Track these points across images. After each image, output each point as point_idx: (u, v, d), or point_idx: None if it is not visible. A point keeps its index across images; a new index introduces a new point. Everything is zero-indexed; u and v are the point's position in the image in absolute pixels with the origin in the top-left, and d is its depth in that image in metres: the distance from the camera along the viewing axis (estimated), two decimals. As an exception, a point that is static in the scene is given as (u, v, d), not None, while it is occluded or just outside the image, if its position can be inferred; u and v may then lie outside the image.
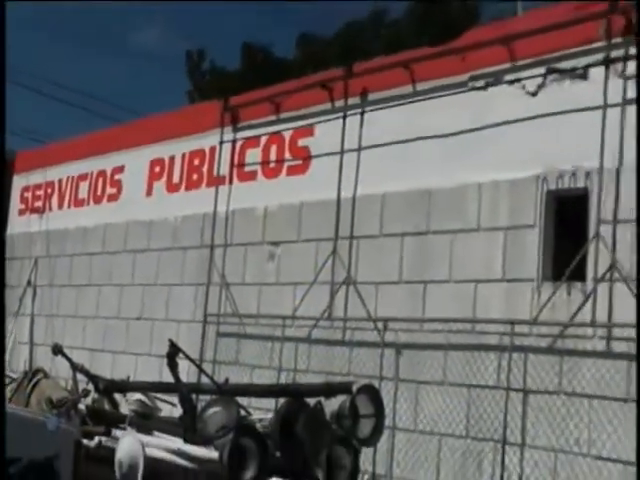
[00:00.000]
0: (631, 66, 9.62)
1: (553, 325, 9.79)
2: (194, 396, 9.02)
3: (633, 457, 8.93)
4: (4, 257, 9.30)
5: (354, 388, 8.33)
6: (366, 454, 9.29)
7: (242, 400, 8.93)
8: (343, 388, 8.50)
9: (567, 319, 9.71)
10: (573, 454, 9.47)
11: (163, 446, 7.91)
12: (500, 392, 10.03)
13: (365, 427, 8.31)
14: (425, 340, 10.86)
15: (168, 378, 8.80)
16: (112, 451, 7.67)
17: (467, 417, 10.37)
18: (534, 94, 10.55)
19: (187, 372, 9.56)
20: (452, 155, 11.11)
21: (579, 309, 9.65)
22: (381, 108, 12.13)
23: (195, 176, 15.25)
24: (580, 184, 9.94)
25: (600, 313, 9.50)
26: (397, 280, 11.47)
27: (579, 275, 9.77)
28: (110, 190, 17.53)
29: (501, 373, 10.09)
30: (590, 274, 9.68)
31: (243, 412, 8.65)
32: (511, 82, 10.80)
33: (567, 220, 10.16)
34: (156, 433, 8.33)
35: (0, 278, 8.89)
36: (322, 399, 8.31)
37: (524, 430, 9.81)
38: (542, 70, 10.49)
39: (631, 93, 9.56)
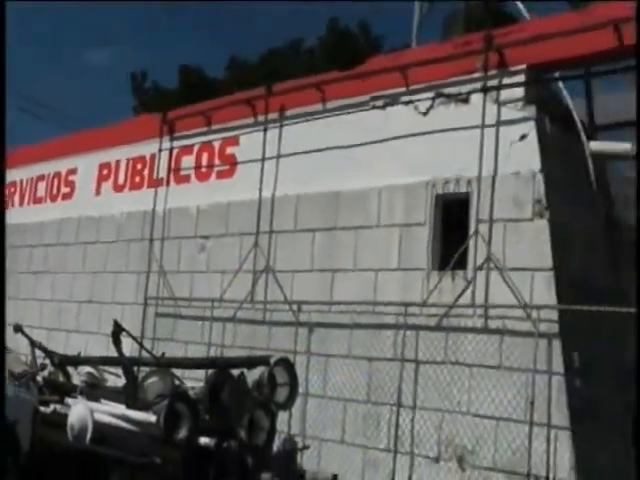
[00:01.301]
0: (504, 94, 9.92)
1: (440, 306, 9.92)
2: (136, 368, 8.92)
3: (504, 414, 9.18)
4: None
5: (272, 361, 8.35)
6: (282, 417, 9.28)
7: (177, 371, 8.88)
8: (263, 361, 8.46)
9: (451, 301, 9.85)
10: (455, 413, 9.63)
11: (109, 411, 7.84)
12: (396, 363, 10.11)
13: (281, 394, 8.33)
14: (333, 320, 10.89)
15: (113, 353, 8.71)
16: (65, 416, 7.60)
17: (368, 385, 10.44)
18: (425, 114, 10.70)
19: (130, 348, 9.45)
20: (357, 163, 11.14)
21: (461, 293, 9.80)
22: (297, 122, 12.13)
23: (138, 178, 15.06)
24: (462, 189, 10.12)
25: (478, 296, 9.68)
26: (309, 269, 11.49)
27: (461, 265, 9.93)
28: (64, 189, 17.25)
29: (397, 347, 10.18)
30: (470, 264, 9.85)
31: (178, 382, 8.60)
32: (406, 103, 10.93)
33: (452, 219, 10.27)
34: (103, 400, 8.24)
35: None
36: (245, 370, 8.27)
37: (415, 395, 9.91)
38: (432, 94, 10.64)
39: (504, 116, 9.84)
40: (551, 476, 8.79)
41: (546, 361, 9.01)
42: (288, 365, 8.61)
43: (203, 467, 7.33)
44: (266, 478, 8.08)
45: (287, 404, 8.58)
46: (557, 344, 9.04)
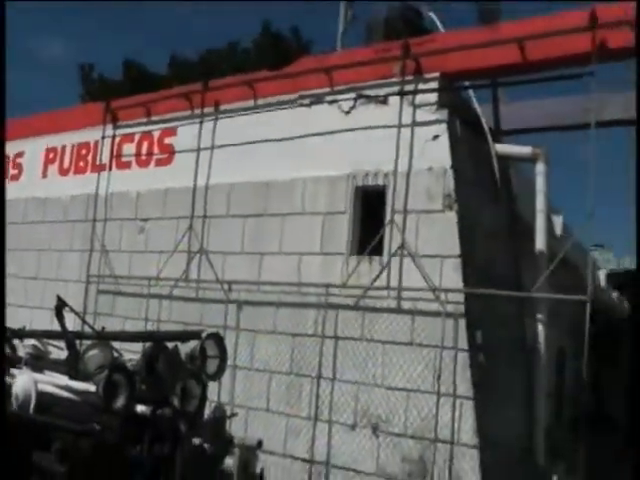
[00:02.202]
0: (419, 97, 9.91)
1: (358, 288, 9.81)
2: (78, 341, 8.61)
3: (414, 386, 9.19)
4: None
5: (203, 335, 8.11)
6: (213, 387, 9.08)
7: (116, 344, 8.59)
8: (195, 335, 8.24)
9: (368, 284, 9.75)
10: (371, 385, 9.57)
11: (52, 382, 7.52)
12: (317, 339, 9.99)
13: (212, 365, 8.09)
14: (261, 298, 10.70)
15: (57, 327, 8.37)
16: (10, 387, 7.27)
17: (291, 358, 10.30)
18: (347, 113, 10.59)
19: (73, 322, 9.09)
20: (284, 156, 10.96)
21: (377, 276, 9.71)
22: (230, 116, 11.84)
23: (82, 163, 14.57)
24: (380, 182, 10.05)
25: (393, 279, 9.62)
26: (240, 251, 11.27)
27: (378, 251, 9.85)
28: (12, 172, 16.51)
29: (318, 325, 10.06)
30: (386, 250, 9.78)
31: (117, 354, 8.33)
32: (330, 102, 10.78)
33: (370, 209, 10.18)
34: (46, 371, 7.93)
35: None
36: (179, 343, 8.07)
37: (334, 368, 9.81)
38: (354, 95, 10.53)
39: (419, 117, 9.83)
40: (455, 440, 8.84)
41: (452, 338, 9.03)
42: (218, 339, 8.41)
43: (139, 433, 7.11)
44: (197, 442, 7.96)
45: (217, 375, 8.33)
46: (462, 323, 9.07)
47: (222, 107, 12.00)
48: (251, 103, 11.66)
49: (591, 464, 9.16)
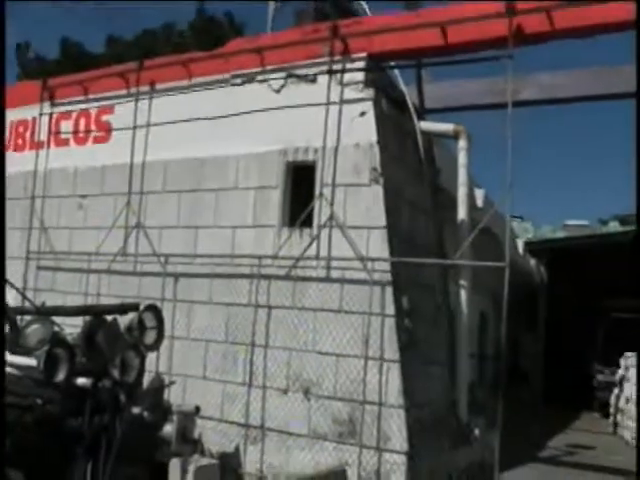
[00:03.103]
0: (347, 77, 9.82)
1: (289, 259, 9.69)
2: (19, 317, 8.31)
3: (344, 351, 9.16)
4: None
5: (141, 307, 8.02)
6: (151, 357, 8.88)
7: (56, 319, 8.31)
8: (133, 307, 8.13)
9: (299, 254, 9.64)
10: (302, 351, 9.51)
11: (-7, 358, 7.27)
12: (251, 308, 9.84)
13: (150, 336, 7.96)
14: (196, 271, 10.50)
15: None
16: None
17: (226, 327, 10.15)
18: (278, 91, 10.44)
19: (14, 298, 8.79)
20: (218, 133, 10.72)
21: (307, 247, 9.61)
22: (166, 95, 11.51)
23: (20, 141, 13.96)
24: (310, 157, 9.94)
25: (322, 250, 9.54)
26: (176, 225, 11.01)
27: (308, 223, 9.74)
28: (-49, 151, 15.92)
29: (251, 295, 9.91)
30: (316, 222, 9.69)
31: (57, 328, 8.07)
32: (261, 81, 10.59)
33: (300, 183, 10.08)
34: (-13, 348, 7.64)
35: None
36: (117, 316, 7.88)
37: (267, 336, 9.70)
38: (284, 74, 10.38)
39: (346, 96, 9.74)
40: (383, 401, 8.85)
41: (380, 305, 9.02)
42: (156, 311, 8.26)
43: (80, 404, 6.92)
44: (136, 411, 7.81)
45: (155, 345, 8.17)
46: (389, 290, 9.07)
47: (158, 86, 11.63)
48: (186, 82, 11.36)
49: (508, 417, 9.30)
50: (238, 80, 10.75)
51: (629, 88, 10.63)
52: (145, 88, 11.71)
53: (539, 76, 11.28)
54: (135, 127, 11.58)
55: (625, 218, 40.81)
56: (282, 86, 10.37)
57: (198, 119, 10.87)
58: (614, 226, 33.74)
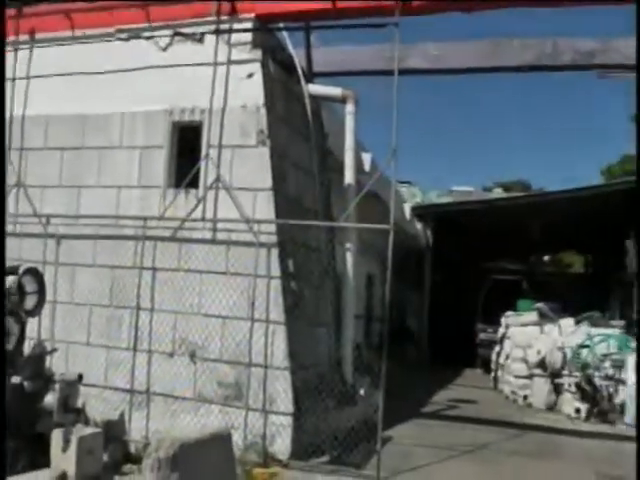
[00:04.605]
0: (235, 37, 9.60)
1: (175, 220, 9.43)
2: None
3: (230, 314, 9.07)
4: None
5: (20, 270, 7.68)
6: (32, 323, 8.45)
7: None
8: (12, 271, 7.73)
9: (185, 216, 9.40)
10: (188, 314, 9.34)
11: None
12: (136, 271, 9.50)
13: (30, 301, 7.75)
14: (79, 232, 10.02)
15: None
16: None
17: (111, 291, 9.81)
18: (165, 49, 10.04)
19: None
20: (102, 89, 10.21)
21: (193, 209, 9.39)
22: (47, 46, 10.80)
23: None
24: (196, 118, 9.68)
25: (208, 212, 9.36)
26: (58, 184, 10.45)
27: (194, 184, 9.50)
28: None
29: (137, 257, 9.58)
30: (202, 183, 9.47)
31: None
32: (148, 38, 10.13)
33: (186, 144, 9.79)
34: None
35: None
36: (-6, 280, 7.43)
37: (153, 299, 9.42)
38: (171, 32, 9.97)
39: (234, 56, 9.53)
40: (269, 363, 8.81)
41: (266, 267, 8.93)
42: (36, 274, 7.97)
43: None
44: (16, 381, 7.45)
45: (35, 311, 7.96)
46: (275, 253, 8.99)
47: (38, 36, 10.91)
48: (69, 34, 10.70)
49: (394, 376, 9.45)
50: (123, 35, 10.25)
51: (515, 62, 10.92)
52: (24, 37, 10.97)
53: (426, 46, 11.35)
54: (14, 79, 10.81)
55: (508, 185, 42.30)
56: (169, 44, 9.98)
57: (81, 73, 10.33)
58: (498, 192, 34.88)
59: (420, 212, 23.27)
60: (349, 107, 10.60)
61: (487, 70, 11.58)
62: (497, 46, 11.14)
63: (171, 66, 9.77)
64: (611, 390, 13.16)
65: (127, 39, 10.20)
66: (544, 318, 16.40)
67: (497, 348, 17.75)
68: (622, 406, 12.81)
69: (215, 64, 9.43)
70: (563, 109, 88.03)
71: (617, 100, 73.95)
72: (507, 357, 16.23)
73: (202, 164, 9.38)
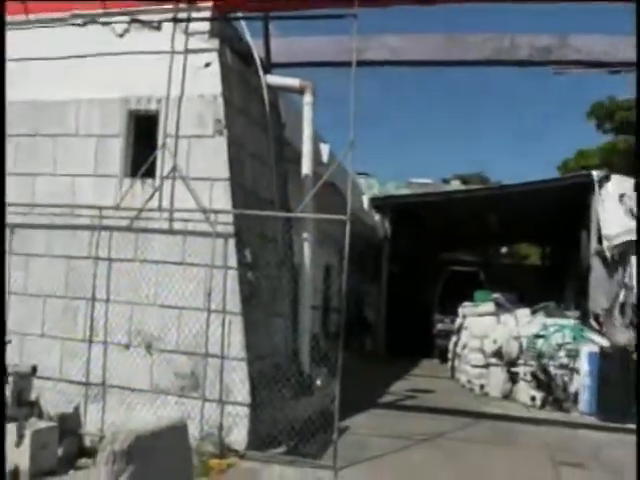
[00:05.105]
0: (192, 26, 9.49)
1: (131, 210, 9.31)
2: None
3: (186, 304, 8.96)
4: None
5: None
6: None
7: None
8: None
9: (141, 206, 9.29)
10: (144, 305, 9.25)
11: None
12: (91, 261, 9.40)
13: None
14: (34, 221, 9.82)
15: None
16: None
17: (66, 281, 9.64)
18: (121, 36, 9.88)
19: None
20: (57, 76, 9.98)
21: (150, 198, 9.29)
22: (0, 32, 10.59)
23: None
24: (153, 107, 9.57)
25: (165, 201, 9.28)
26: (11, 172, 10.01)
27: (150, 173, 9.40)
28: None
29: (92, 247, 9.46)
30: (158, 173, 9.38)
31: None
32: (104, 24, 9.96)
33: (143, 132, 9.67)
34: None
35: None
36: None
37: (109, 290, 9.33)
38: (127, 19, 9.83)
39: (191, 45, 9.41)
40: (225, 354, 8.79)
41: (222, 257, 8.90)
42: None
43: None
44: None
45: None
46: (232, 243, 8.96)
47: (-8, 22, 10.68)
48: (23, 18, 10.41)
49: (351, 366, 9.49)
50: (79, 20, 10.06)
51: (474, 56, 11.01)
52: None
53: (385, 38, 11.37)
54: (-34, 65, 10.59)
55: (466, 178, 42.66)
56: (125, 31, 9.83)
57: (36, 59, 10.10)
58: (456, 184, 35.15)
59: (378, 203, 23.33)
60: (307, 98, 10.59)
61: (446, 63, 11.66)
62: (456, 40, 11.23)
63: (128, 53, 9.61)
64: (566, 379, 13.40)
65: (83, 25, 10.03)
66: (501, 308, 16.61)
67: (454, 338, 17.92)
68: (576, 394, 13.05)
69: (172, 53, 9.32)
70: (522, 106, 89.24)
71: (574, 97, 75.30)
72: (464, 347, 16.40)
73: (159, 153, 9.29)
